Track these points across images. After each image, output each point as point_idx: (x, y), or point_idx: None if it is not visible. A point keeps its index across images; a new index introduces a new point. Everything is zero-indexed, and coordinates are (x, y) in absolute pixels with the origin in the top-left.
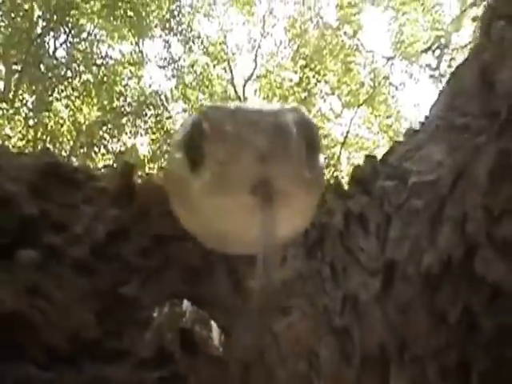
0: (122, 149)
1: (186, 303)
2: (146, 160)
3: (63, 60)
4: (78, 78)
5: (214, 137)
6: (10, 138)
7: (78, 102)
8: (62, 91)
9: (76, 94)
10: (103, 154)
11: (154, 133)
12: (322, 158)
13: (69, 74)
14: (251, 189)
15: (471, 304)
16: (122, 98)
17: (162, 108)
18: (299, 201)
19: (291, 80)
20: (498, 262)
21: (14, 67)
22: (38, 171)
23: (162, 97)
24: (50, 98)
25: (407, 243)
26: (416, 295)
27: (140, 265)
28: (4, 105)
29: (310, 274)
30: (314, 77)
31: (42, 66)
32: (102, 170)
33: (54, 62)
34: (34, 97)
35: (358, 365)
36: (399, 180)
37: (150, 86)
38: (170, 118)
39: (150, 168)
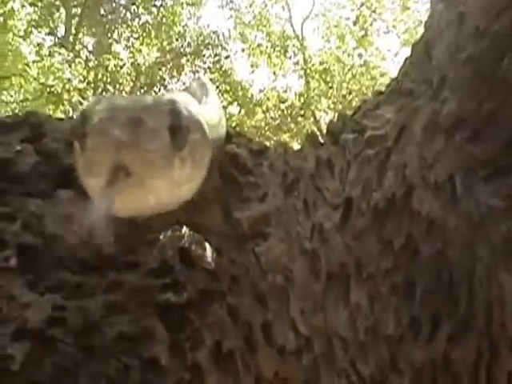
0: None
1: (184, 228)
2: None
3: (122, 2)
4: (137, 20)
5: (87, 128)
6: (70, 81)
7: (137, 44)
8: (122, 33)
9: (135, 35)
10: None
11: (212, 72)
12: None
13: (128, 15)
14: (109, 173)
15: (412, 233)
16: (180, 39)
17: (220, 48)
18: (164, 178)
19: (348, 18)
20: (431, 199)
21: (74, 11)
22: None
23: (221, 37)
24: (110, 41)
25: (361, 184)
26: (368, 225)
27: None
28: (63, 50)
29: (287, 207)
30: (370, 15)
31: (101, 9)
32: None
33: (113, 4)
34: (94, 40)
35: (324, 280)
36: (358, 133)
37: (208, 26)
38: (228, 57)
39: None
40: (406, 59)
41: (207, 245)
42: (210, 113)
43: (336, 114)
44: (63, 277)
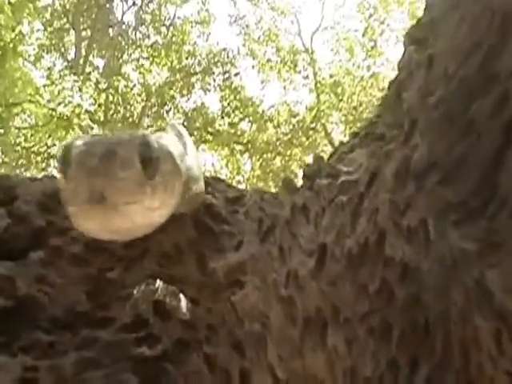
0: (193, 107)
1: (158, 282)
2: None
3: (131, 23)
4: (146, 40)
5: (69, 161)
6: (80, 106)
7: (147, 64)
8: (131, 54)
9: (145, 55)
10: (174, 114)
11: (222, 90)
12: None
13: (137, 36)
14: (87, 198)
15: (386, 278)
16: (190, 58)
17: (229, 65)
18: (137, 204)
19: (357, 30)
20: (404, 245)
21: (84, 33)
22: (45, 194)
23: (230, 54)
24: (120, 62)
25: (335, 230)
26: (342, 271)
27: (123, 255)
28: (73, 77)
29: (262, 255)
30: (379, 26)
31: (110, 31)
32: None
33: (123, 26)
34: (103, 61)
35: (301, 325)
36: (332, 178)
37: (217, 43)
38: (238, 74)
39: (220, 125)
40: (381, 98)
41: (182, 296)
42: (193, 165)
43: (313, 157)
44: (36, 336)
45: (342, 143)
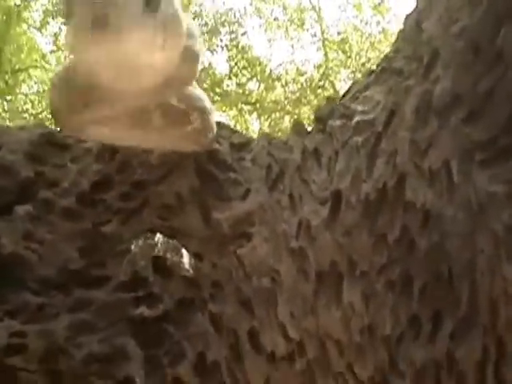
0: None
1: (158, 236)
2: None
3: None
4: None
5: None
6: None
7: None
8: None
9: None
10: None
11: (230, 50)
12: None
13: None
14: (91, 24)
15: (407, 225)
16: (197, 19)
17: (236, 25)
18: (139, 33)
19: None
20: (426, 189)
21: None
22: (33, 142)
23: (237, 14)
24: None
25: (350, 175)
26: (359, 219)
27: (121, 207)
28: None
29: (271, 204)
30: None
31: None
32: None
33: None
34: None
35: (314, 280)
36: (346, 119)
37: (224, 3)
38: (245, 33)
39: (227, 85)
40: (399, 32)
41: (184, 251)
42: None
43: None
44: (24, 299)
45: (355, 81)
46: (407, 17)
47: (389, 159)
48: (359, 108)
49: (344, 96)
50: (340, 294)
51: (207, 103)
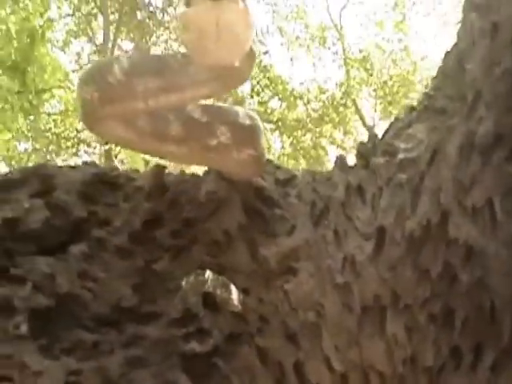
0: None
1: (207, 272)
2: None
3: (159, 5)
4: (174, 22)
5: None
6: None
7: (175, 46)
8: (160, 36)
9: (173, 37)
10: None
11: None
12: None
13: (166, 18)
14: None
15: (450, 261)
16: None
17: (258, 43)
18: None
19: (386, 4)
20: (469, 225)
21: (112, 17)
22: (86, 182)
23: (259, 32)
24: (149, 44)
25: (394, 211)
26: (403, 255)
27: (171, 244)
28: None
29: (316, 240)
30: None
31: (138, 14)
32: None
33: (150, 8)
34: (132, 44)
35: (358, 313)
36: (390, 156)
37: None
38: (267, 52)
39: (249, 104)
40: (439, 69)
41: (233, 286)
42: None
43: (367, 135)
44: (79, 336)
45: (397, 119)
46: (447, 54)
47: (432, 196)
48: (402, 146)
49: (386, 133)
50: (383, 326)
51: (248, 120)
